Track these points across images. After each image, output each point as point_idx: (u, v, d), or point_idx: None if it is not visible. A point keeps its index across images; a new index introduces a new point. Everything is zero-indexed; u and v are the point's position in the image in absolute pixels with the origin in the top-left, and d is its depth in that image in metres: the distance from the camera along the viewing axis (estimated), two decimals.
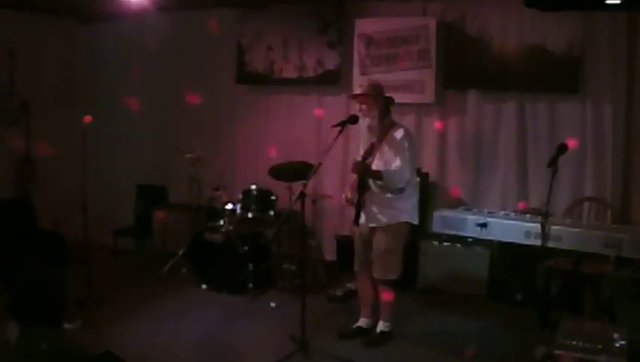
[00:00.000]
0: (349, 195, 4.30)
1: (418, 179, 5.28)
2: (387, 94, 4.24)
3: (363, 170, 4.13)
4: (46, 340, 2.30)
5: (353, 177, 4.30)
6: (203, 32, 6.44)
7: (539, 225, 3.92)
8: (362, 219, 4.23)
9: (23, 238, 5.50)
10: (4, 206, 5.83)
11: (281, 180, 5.53)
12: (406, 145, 4.07)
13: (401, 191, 4.10)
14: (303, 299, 4.00)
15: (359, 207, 4.21)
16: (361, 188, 4.18)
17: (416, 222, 4.26)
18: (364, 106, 4.15)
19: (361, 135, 4.43)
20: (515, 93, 5.34)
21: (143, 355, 3.93)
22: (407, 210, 4.17)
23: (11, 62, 6.24)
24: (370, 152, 4.20)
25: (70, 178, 5.92)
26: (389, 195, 4.11)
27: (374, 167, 4.12)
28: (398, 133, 4.10)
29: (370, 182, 4.15)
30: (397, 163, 4.03)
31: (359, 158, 4.22)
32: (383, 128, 4.16)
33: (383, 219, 4.14)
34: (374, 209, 4.16)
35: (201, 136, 6.47)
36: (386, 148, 4.11)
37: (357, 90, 4.28)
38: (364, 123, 4.24)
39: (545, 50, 5.11)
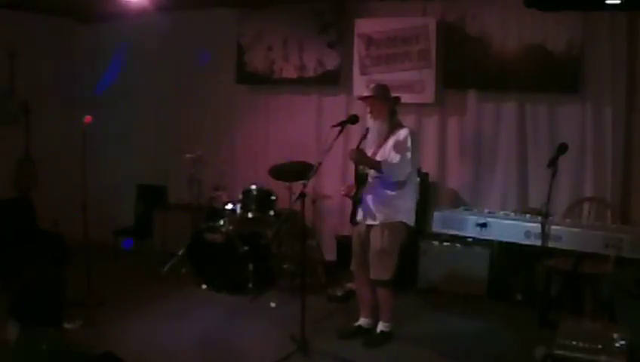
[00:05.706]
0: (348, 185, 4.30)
1: (418, 179, 5.32)
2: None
3: (358, 157, 4.12)
4: (46, 340, 2.30)
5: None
6: (203, 32, 6.44)
7: (539, 225, 3.93)
8: (359, 215, 4.24)
9: (23, 238, 5.50)
10: (4, 206, 5.83)
11: (281, 180, 5.53)
12: (408, 143, 4.06)
13: (398, 186, 4.09)
14: (303, 299, 4.00)
15: (357, 202, 4.21)
16: (360, 180, 4.18)
17: (412, 223, 4.24)
18: (374, 108, 4.14)
19: (368, 135, 4.29)
20: (515, 93, 5.34)
21: (142, 355, 3.92)
22: (404, 211, 4.16)
23: (11, 62, 6.24)
24: (360, 143, 4.19)
25: (70, 178, 5.91)
26: (387, 192, 4.11)
27: None
28: (402, 133, 4.10)
29: (369, 176, 4.14)
30: (397, 158, 4.03)
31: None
32: (390, 129, 4.16)
33: (380, 217, 4.14)
34: (371, 205, 4.16)
35: (201, 136, 6.47)
36: (389, 146, 4.11)
37: (364, 93, 4.24)
38: (373, 125, 4.19)
39: (545, 50, 5.11)
